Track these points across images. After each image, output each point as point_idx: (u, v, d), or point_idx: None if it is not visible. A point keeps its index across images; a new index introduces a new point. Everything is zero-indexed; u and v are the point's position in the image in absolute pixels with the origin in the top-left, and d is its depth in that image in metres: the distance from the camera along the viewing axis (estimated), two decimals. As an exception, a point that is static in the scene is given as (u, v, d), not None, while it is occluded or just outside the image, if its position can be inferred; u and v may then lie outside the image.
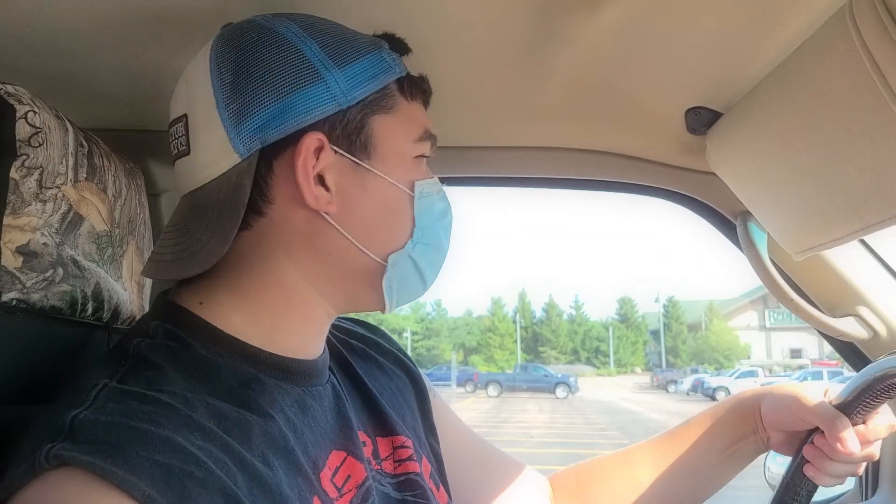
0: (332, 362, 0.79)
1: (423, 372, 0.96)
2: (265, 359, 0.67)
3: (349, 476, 0.69)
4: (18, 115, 0.70)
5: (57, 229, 0.75)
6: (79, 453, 0.50)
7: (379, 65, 0.72)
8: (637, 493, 0.99)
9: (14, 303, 0.70)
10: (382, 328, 0.94)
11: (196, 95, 0.68)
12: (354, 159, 0.69)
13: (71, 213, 0.77)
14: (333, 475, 0.67)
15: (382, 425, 0.79)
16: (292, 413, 0.66)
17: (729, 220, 1.21)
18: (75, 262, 0.78)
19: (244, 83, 0.66)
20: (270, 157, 0.67)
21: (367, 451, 0.74)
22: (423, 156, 0.74)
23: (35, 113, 0.72)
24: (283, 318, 0.70)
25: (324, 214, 0.68)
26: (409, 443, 0.80)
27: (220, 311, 0.68)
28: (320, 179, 0.68)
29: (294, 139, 0.67)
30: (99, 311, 0.82)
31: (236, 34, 0.70)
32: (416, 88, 0.75)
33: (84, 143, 0.80)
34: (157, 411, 0.56)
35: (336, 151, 0.68)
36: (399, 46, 0.75)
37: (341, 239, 0.69)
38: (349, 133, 0.69)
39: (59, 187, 0.75)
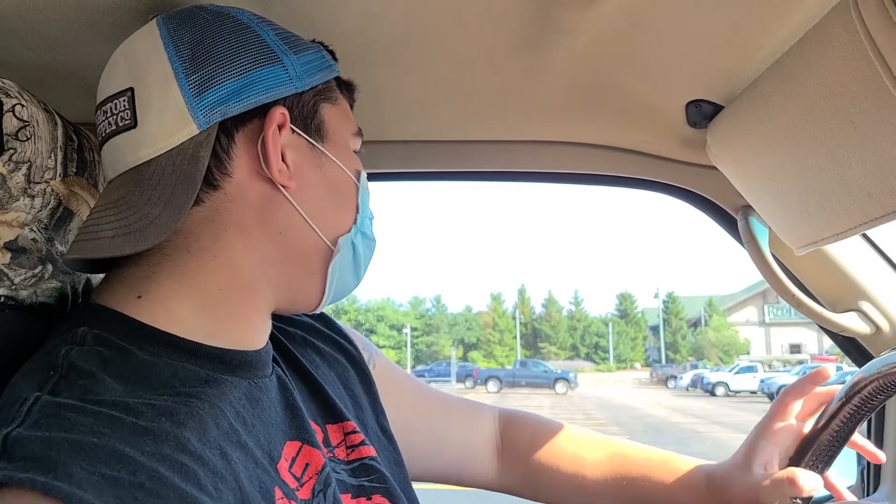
0: (274, 352, 0.77)
1: (363, 340, 0.96)
2: (207, 353, 0.65)
3: (307, 464, 0.68)
4: (6, 108, 0.69)
5: (46, 225, 0.74)
6: (15, 471, 0.46)
7: (323, 59, 0.77)
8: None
9: (2, 300, 0.69)
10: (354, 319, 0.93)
11: (146, 68, 0.67)
12: (311, 140, 0.72)
13: (60, 209, 0.76)
14: (291, 466, 0.66)
15: (331, 412, 0.79)
16: (241, 406, 0.64)
17: (730, 215, 1.19)
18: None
19: (205, 57, 0.67)
20: (232, 130, 0.67)
21: (317, 439, 0.72)
22: (356, 151, 0.79)
23: (23, 106, 0.70)
24: (227, 303, 0.67)
25: (281, 189, 0.69)
26: (359, 428, 0.80)
27: (163, 302, 0.65)
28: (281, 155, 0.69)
29: (257, 114, 0.68)
30: (90, 307, 0.81)
31: (188, 16, 0.70)
32: (348, 89, 0.81)
33: (74, 137, 0.79)
34: (97, 423, 0.52)
35: (294, 131, 0.71)
36: (331, 53, 0.80)
37: (295, 216, 0.70)
38: (304, 116, 0.72)
39: (48, 182, 0.74)
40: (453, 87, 1.03)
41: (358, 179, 0.76)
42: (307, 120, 0.72)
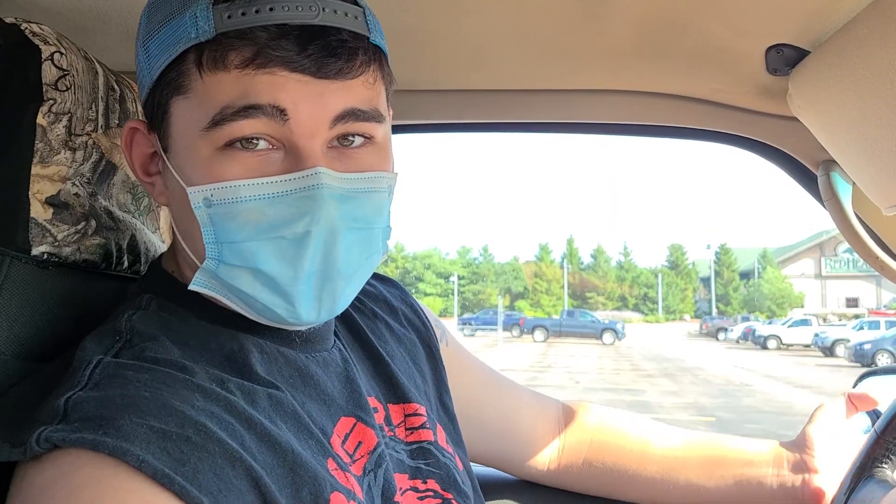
0: (340, 325, 0.77)
1: (436, 319, 0.95)
2: (262, 326, 0.65)
3: (360, 442, 0.68)
4: (44, 56, 0.66)
5: (89, 179, 0.72)
6: (69, 433, 0.49)
7: (176, 31, 0.57)
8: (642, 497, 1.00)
9: (45, 256, 0.67)
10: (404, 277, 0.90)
11: None
12: (158, 149, 0.64)
13: (103, 162, 0.73)
14: (343, 442, 0.66)
15: (394, 392, 0.77)
16: (293, 381, 0.65)
17: (809, 170, 1.12)
18: (109, 213, 0.74)
19: None
20: None
21: (378, 418, 0.73)
22: (236, 143, 0.57)
23: (62, 54, 0.67)
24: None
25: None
26: (423, 409, 0.78)
27: None
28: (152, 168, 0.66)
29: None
30: (136, 263, 0.79)
31: None
32: (223, 52, 0.56)
33: (115, 86, 0.75)
34: (152, 378, 0.55)
35: (152, 138, 0.64)
36: None
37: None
38: (154, 118, 0.63)
39: (90, 134, 0.71)
40: (512, 32, 0.98)
41: (194, 198, 0.59)
42: (156, 122, 0.62)
